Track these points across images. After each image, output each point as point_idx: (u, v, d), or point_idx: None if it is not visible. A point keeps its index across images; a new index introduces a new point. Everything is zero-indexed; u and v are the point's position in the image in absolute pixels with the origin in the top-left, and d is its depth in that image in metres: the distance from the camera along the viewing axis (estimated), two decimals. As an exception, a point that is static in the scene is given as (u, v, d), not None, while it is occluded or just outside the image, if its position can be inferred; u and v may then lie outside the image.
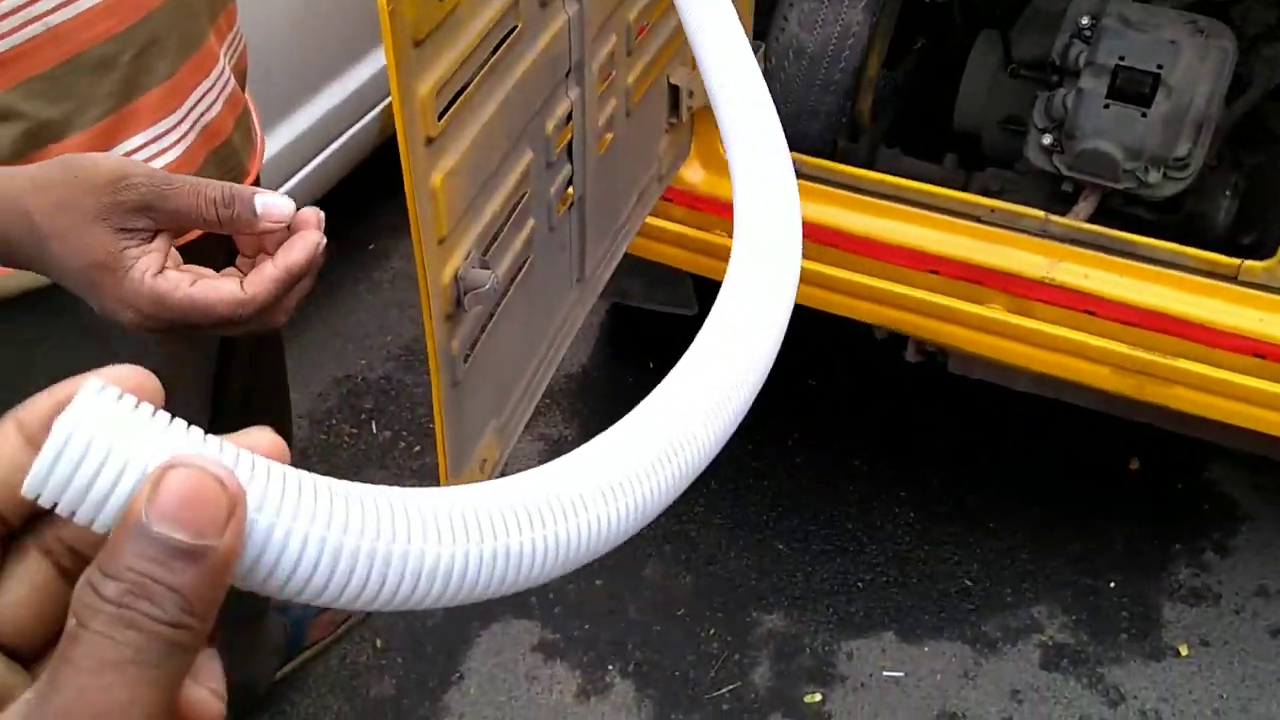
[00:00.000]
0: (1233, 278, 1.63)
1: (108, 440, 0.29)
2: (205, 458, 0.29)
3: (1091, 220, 1.77)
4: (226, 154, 1.20)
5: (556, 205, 1.28)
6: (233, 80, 1.22)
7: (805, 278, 1.82)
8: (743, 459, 2.35)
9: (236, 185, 0.75)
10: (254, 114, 1.30)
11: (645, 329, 2.51)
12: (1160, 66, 1.70)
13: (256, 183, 1.27)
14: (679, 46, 1.64)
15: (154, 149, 1.11)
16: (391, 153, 0.95)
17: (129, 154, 1.09)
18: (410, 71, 0.91)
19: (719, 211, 1.86)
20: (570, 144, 1.28)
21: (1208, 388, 1.67)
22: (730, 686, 2.00)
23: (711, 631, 2.08)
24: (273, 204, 0.76)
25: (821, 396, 2.48)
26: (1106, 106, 1.73)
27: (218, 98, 1.18)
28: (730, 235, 2.05)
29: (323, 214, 0.80)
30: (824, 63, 1.84)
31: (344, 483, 0.33)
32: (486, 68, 1.03)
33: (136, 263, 0.73)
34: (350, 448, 2.40)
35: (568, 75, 1.25)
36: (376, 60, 2.54)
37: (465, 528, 0.34)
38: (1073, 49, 1.79)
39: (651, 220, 1.86)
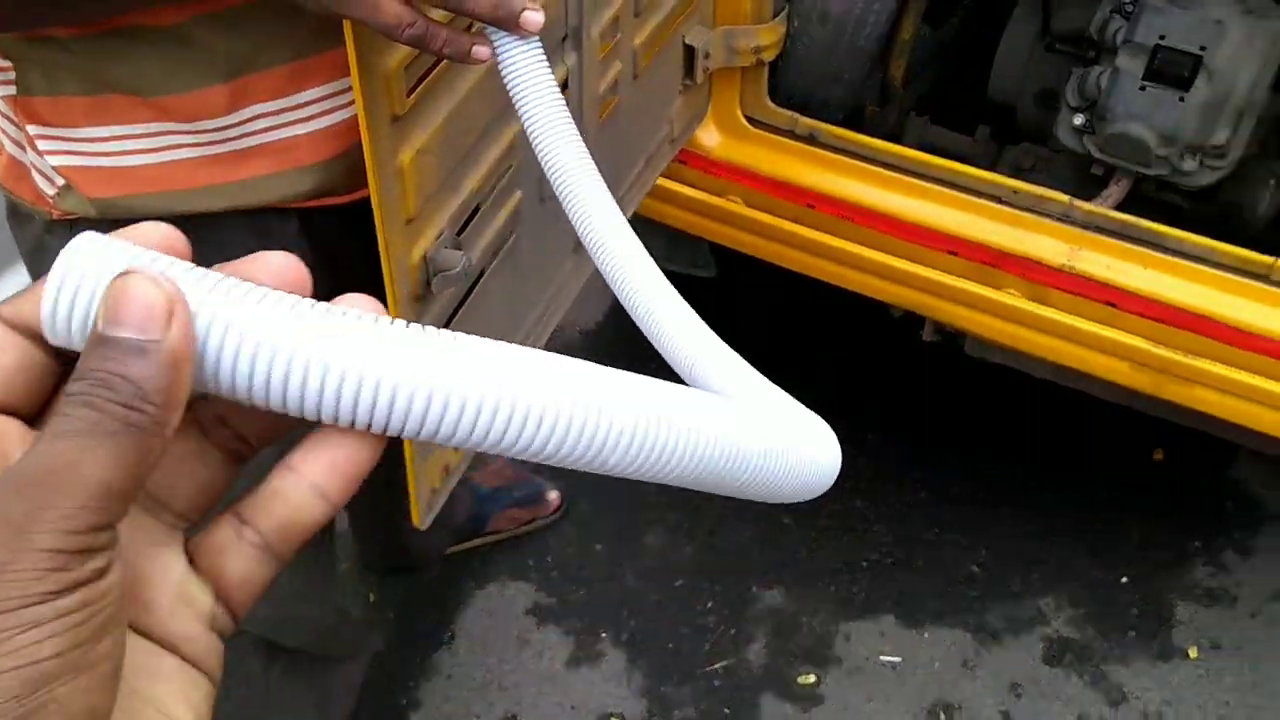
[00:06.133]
0: (1265, 276, 1.54)
1: (83, 274, 0.32)
2: (144, 268, 0.32)
3: (1124, 207, 1.68)
4: None
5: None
6: None
7: (820, 251, 1.77)
8: (754, 428, 2.30)
9: None
10: None
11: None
12: (1203, 48, 1.60)
13: None
14: (694, 6, 1.57)
15: (333, 103, 1.10)
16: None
17: (309, 103, 1.08)
18: (371, 47, 0.86)
19: (734, 176, 1.79)
20: (566, 112, 1.22)
21: (1232, 390, 1.59)
22: (723, 662, 1.97)
23: (709, 604, 2.05)
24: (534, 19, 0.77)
25: (834, 369, 2.41)
26: (1143, 89, 1.63)
27: None
28: (744, 201, 1.95)
29: None
30: (849, 27, 1.75)
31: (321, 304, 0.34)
32: (463, 39, 0.97)
33: None
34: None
35: (564, 41, 1.19)
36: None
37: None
38: (1111, 24, 1.69)
39: (665, 183, 1.80)
